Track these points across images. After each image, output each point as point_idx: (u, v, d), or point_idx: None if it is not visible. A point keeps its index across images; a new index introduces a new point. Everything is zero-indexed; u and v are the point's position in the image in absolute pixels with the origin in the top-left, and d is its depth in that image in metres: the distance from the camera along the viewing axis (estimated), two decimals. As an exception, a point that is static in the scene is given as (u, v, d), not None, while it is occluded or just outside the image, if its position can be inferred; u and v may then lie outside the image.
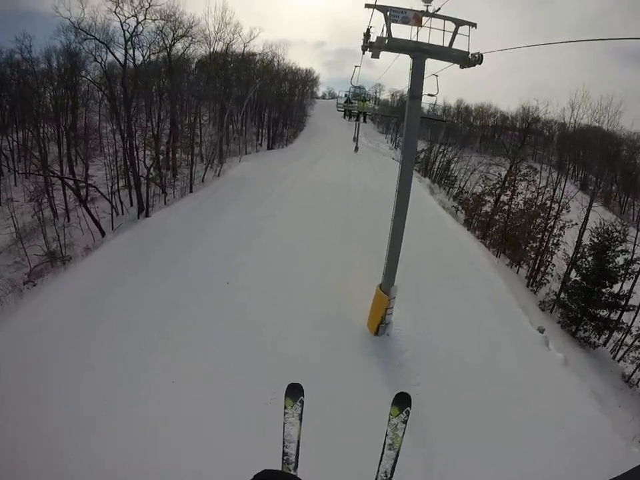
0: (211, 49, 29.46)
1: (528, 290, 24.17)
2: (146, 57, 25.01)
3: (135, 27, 22.91)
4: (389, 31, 9.18)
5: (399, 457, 3.01)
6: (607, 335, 21.16)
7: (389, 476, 2.97)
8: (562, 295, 22.71)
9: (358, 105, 23.55)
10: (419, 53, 9.31)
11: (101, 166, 24.36)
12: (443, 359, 10.61)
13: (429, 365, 10.26)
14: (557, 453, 8.37)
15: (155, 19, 24.09)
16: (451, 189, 38.07)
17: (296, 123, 42.58)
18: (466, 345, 11.39)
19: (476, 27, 9.10)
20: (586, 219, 23.44)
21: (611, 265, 21.23)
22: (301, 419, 3.07)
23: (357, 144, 35.94)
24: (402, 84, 55.30)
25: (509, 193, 29.61)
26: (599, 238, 21.92)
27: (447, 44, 9.36)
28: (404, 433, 3.07)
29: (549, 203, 26.66)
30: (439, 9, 9.00)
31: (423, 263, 15.40)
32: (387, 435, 3.08)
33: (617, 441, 9.40)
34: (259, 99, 36.45)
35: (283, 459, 2.92)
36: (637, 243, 21.70)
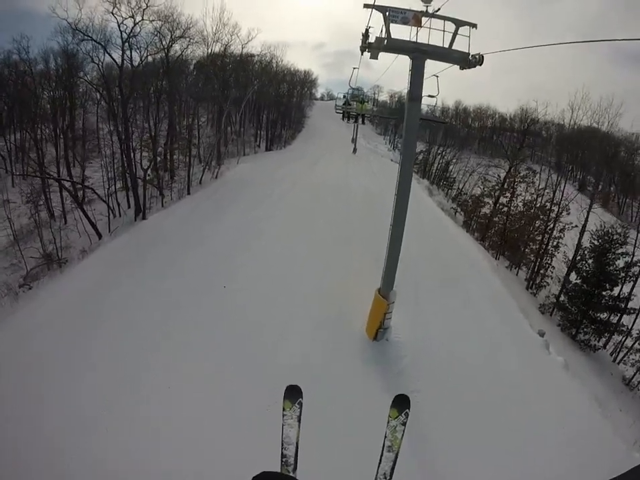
0: (209, 50, 29.41)
1: (527, 292, 24.07)
2: (143, 58, 24.88)
3: (132, 27, 22.81)
4: (388, 31, 9.08)
5: (398, 458, 3.03)
6: (606, 337, 21.07)
7: (388, 478, 2.99)
8: (562, 298, 22.63)
9: (356, 107, 23.51)
10: (419, 54, 9.20)
11: (98, 168, 24.20)
12: (443, 362, 10.56)
13: (429, 370, 10.19)
14: (557, 453, 8.39)
15: (153, 20, 23.99)
16: (449, 191, 37.94)
17: (294, 125, 42.44)
18: (466, 348, 11.35)
19: (476, 28, 9.01)
20: (586, 220, 23.36)
21: (611, 268, 21.15)
22: (299, 421, 3.09)
23: (355, 145, 35.89)
24: (400, 85, 55.30)
25: (508, 194, 29.53)
26: (599, 240, 21.82)
27: (446, 45, 9.26)
28: (403, 434, 3.09)
29: (548, 205, 26.57)
30: (439, 9, 8.91)
31: (421, 265, 15.31)
32: (385, 436, 3.10)
33: (618, 444, 9.36)
34: (258, 100, 36.37)
35: (281, 461, 2.95)
36: (637, 245, 21.64)
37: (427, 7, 8.90)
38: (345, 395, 9.02)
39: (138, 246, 16.72)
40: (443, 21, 9.15)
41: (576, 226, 24.09)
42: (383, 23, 9.03)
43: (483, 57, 8.89)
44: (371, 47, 9.58)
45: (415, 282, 13.76)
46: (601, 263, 21.34)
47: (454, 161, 38.95)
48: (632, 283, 21.11)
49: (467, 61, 9.15)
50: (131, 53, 23.45)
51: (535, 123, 35.32)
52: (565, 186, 26.86)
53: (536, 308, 21.89)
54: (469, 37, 9.03)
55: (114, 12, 21.97)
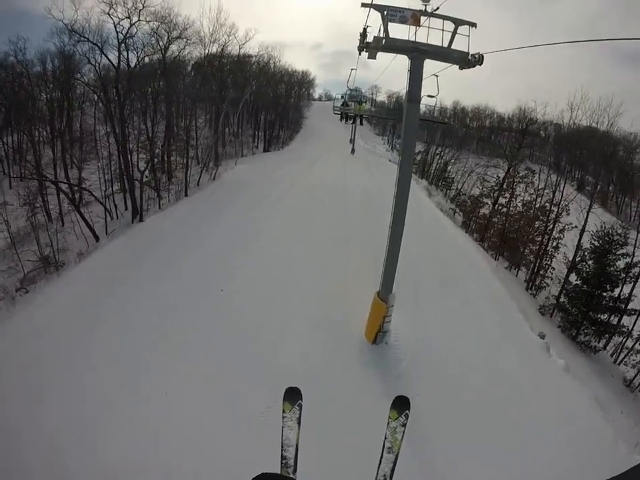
0: (206, 51, 29.30)
1: (527, 293, 24.01)
2: (140, 59, 24.76)
3: (129, 28, 22.67)
4: (386, 30, 8.95)
5: (398, 459, 3.02)
6: (606, 338, 21.00)
7: (388, 479, 3.00)
8: (562, 299, 22.55)
9: (354, 108, 23.46)
10: (417, 53, 9.07)
11: (95, 169, 24.06)
12: (443, 362, 10.57)
13: (429, 372, 10.17)
14: (557, 453, 8.41)
15: (150, 21, 23.81)
16: (448, 191, 37.88)
17: (292, 125, 42.36)
18: (465, 348, 11.36)
19: (476, 27, 8.89)
20: (585, 221, 23.28)
21: (612, 269, 21.08)
22: (299, 423, 3.10)
23: (353, 146, 35.84)
24: (398, 85, 55.36)
25: (507, 195, 29.47)
26: (600, 241, 21.74)
27: (445, 44, 9.14)
28: (403, 436, 3.09)
29: (548, 205, 26.51)
30: (438, 8, 8.80)
31: (421, 265, 15.28)
32: (385, 438, 3.10)
33: (619, 447, 9.31)
34: (255, 101, 36.30)
35: (281, 463, 2.96)
36: (637, 245, 21.57)
37: (426, 5, 8.79)
38: (344, 395, 9.02)
39: (135, 248, 16.65)
40: (441, 20, 9.04)
41: (576, 226, 24.01)
42: (381, 22, 8.90)
43: (482, 56, 8.77)
44: (369, 47, 9.44)
45: (414, 282, 13.75)
46: (601, 264, 21.26)
47: (452, 161, 38.91)
48: (632, 283, 21.03)
49: (467, 61, 9.02)
50: (127, 54, 23.36)
51: (533, 123, 35.31)
52: (564, 186, 26.79)
53: (536, 309, 21.82)
54: (469, 36, 8.91)
55: (110, 13, 21.82)
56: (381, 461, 3.03)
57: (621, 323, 20.81)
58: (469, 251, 20.97)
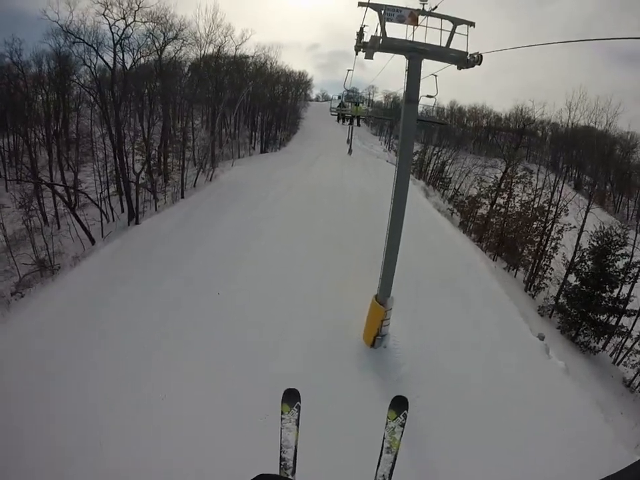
0: (203, 52, 29.16)
1: (526, 294, 23.96)
2: (136, 60, 24.64)
3: (124, 29, 22.58)
4: (383, 30, 8.82)
5: (398, 460, 3.01)
6: (606, 338, 20.95)
7: (387, 479, 2.98)
8: (561, 300, 22.50)
9: (351, 109, 23.41)
10: (415, 53, 8.97)
11: (91, 172, 23.92)
12: (442, 364, 10.52)
13: (428, 375, 10.11)
14: (558, 453, 8.43)
15: (145, 21, 23.74)
16: (445, 191, 37.80)
17: (289, 126, 42.23)
18: (465, 348, 11.35)
19: (474, 26, 8.77)
20: (584, 221, 23.22)
21: (611, 269, 21.04)
22: (298, 425, 3.08)
23: (350, 146, 35.75)
24: (396, 86, 55.33)
25: (505, 195, 29.41)
26: (599, 242, 21.70)
27: (444, 44, 9.03)
28: (401, 436, 3.08)
29: (546, 205, 26.45)
30: (436, 7, 8.69)
31: (419, 266, 15.18)
32: (384, 438, 3.08)
33: (619, 447, 9.30)
34: (252, 101, 36.19)
35: (280, 464, 2.94)
36: (636, 245, 21.53)
37: (424, 4, 8.69)
38: (344, 396, 9.04)
39: (131, 251, 16.57)
40: (440, 19, 8.92)
41: (574, 227, 23.96)
42: (378, 22, 8.78)
43: (481, 56, 8.67)
44: (366, 47, 9.32)
45: (413, 284, 13.69)
46: (600, 265, 21.23)
47: (450, 161, 38.84)
48: (631, 284, 20.99)
49: (465, 61, 8.92)
50: (123, 55, 23.29)
51: (531, 123, 35.31)
52: (562, 186, 26.75)
53: (535, 310, 21.76)
54: (467, 35, 8.80)
55: (105, 14, 21.77)
56: (379, 462, 3.01)
57: (620, 323, 20.74)
58: (467, 251, 20.90)
